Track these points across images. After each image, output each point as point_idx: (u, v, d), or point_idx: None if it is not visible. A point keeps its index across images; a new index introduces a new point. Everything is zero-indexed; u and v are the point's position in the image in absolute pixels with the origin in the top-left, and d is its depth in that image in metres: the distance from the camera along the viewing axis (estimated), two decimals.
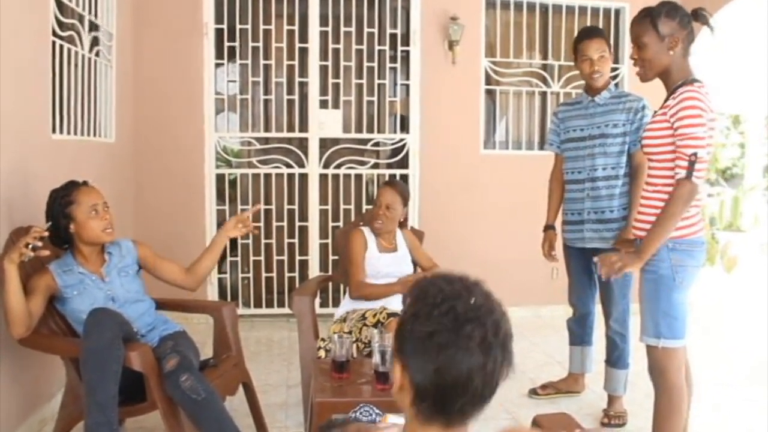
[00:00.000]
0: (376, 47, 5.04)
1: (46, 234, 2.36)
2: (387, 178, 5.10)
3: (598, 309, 3.38)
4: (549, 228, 3.46)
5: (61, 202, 2.49)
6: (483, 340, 1.03)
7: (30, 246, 2.26)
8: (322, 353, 2.82)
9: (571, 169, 3.27)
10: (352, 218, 4.94)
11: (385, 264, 3.11)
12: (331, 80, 4.96)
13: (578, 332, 3.48)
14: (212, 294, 4.91)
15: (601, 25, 5.31)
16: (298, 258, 5.06)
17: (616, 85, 5.13)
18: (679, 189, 2.26)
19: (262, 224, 4.97)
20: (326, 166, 5.01)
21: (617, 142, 3.10)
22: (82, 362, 2.24)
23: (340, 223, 4.96)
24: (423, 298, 1.06)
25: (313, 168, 4.98)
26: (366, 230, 3.19)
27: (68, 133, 3.42)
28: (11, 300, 2.31)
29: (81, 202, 2.50)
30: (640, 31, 2.37)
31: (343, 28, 4.95)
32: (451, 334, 1.02)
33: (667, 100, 2.37)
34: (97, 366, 2.21)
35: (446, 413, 1.06)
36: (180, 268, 2.78)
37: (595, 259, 2.49)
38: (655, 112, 2.47)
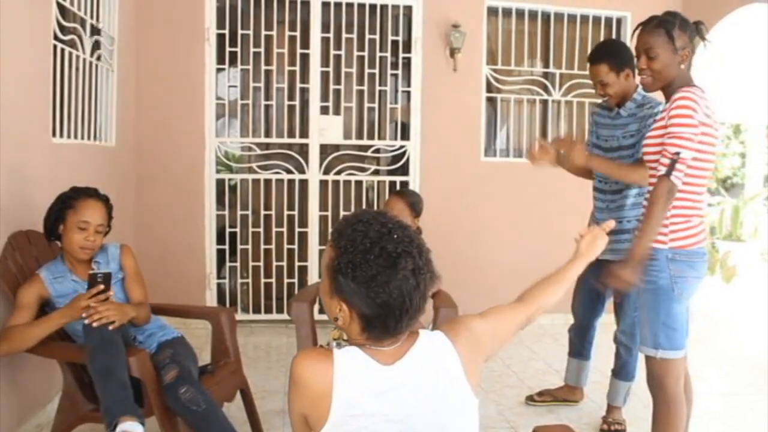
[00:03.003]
0: (378, 54, 5.04)
1: (105, 296, 2.34)
2: (387, 185, 5.11)
3: (599, 323, 3.37)
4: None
5: (64, 201, 2.49)
6: (414, 266, 1.22)
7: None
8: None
9: (597, 177, 3.21)
10: None
11: None
12: (332, 86, 4.96)
13: (578, 345, 3.45)
14: (211, 299, 4.90)
15: (602, 34, 5.31)
16: (297, 264, 5.05)
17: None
18: (657, 187, 2.24)
19: (262, 229, 4.97)
20: (326, 172, 5.01)
21: (630, 153, 3.03)
22: (89, 355, 2.23)
23: None
24: (353, 247, 1.21)
25: (314, 174, 4.98)
26: None
27: (69, 136, 3.42)
28: (32, 338, 2.34)
29: (78, 211, 2.47)
30: (652, 41, 2.32)
31: (344, 35, 4.96)
32: (390, 271, 1.20)
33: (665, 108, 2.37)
34: (107, 353, 2.22)
35: (393, 331, 1.25)
36: (138, 300, 2.63)
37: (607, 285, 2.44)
38: (654, 120, 2.45)
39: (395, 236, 1.23)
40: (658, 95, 2.53)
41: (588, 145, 3.33)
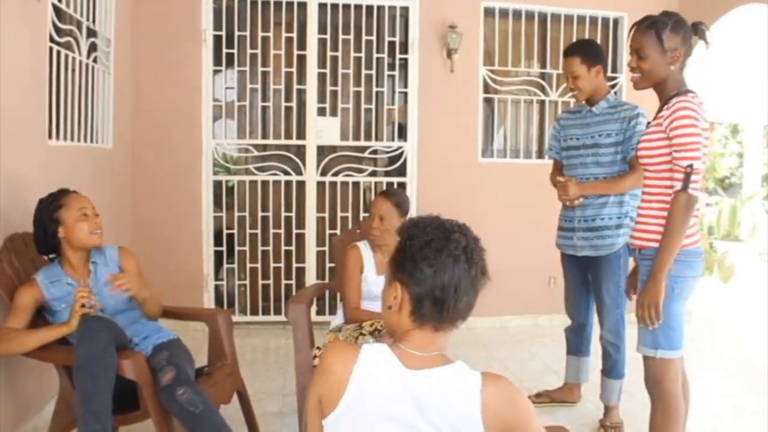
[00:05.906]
0: (375, 55, 5.04)
1: (90, 298, 2.39)
2: (384, 186, 5.10)
3: (594, 320, 3.37)
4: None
5: (50, 206, 2.48)
6: (466, 246, 1.32)
7: (86, 305, 2.35)
8: (317, 362, 2.80)
9: (578, 176, 3.24)
10: (350, 226, 4.94)
11: (381, 287, 3.04)
12: (329, 87, 4.96)
13: (575, 342, 3.47)
14: (208, 301, 4.90)
15: (599, 35, 5.33)
16: (295, 265, 5.05)
17: (615, 93, 5.12)
18: (677, 201, 2.25)
19: (259, 231, 4.96)
20: (324, 173, 5.01)
21: (609, 152, 3.09)
22: (75, 371, 2.22)
23: (338, 231, 4.95)
24: (414, 226, 1.34)
25: (311, 175, 4.98)
26: (363, 246, 3.06)
27: (65, 139, 3.41)
28: (31, 344, 2.35)
29: (70, 205, 2.50)
30: (643, 41, 2.33)
31: (341, 36, 4.95)
32: (443, 240, 1.30)
33: (660, 110, 2.37)
34: (91, 374, 2.19)
35: (439, 314, 1.31)
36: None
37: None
38: (649, 123, 2.46)
39: (452, 220, 1.38)
40: (646, 96, 2.55)
41: (550, 150, 3.45)
